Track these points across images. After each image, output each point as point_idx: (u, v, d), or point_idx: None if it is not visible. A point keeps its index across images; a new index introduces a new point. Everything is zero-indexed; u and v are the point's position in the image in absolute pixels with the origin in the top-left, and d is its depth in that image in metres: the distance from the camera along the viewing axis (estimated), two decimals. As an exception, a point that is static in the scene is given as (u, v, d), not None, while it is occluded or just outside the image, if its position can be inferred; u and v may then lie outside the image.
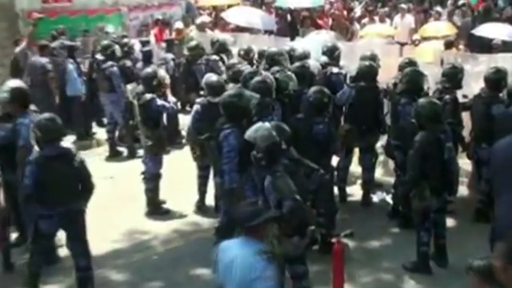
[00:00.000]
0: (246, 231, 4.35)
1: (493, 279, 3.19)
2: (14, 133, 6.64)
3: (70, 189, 6.03)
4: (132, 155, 10.38)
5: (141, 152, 9.03)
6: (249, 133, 5.82)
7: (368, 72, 8.20)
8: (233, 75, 8.30)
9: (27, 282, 6.25)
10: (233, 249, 4.38)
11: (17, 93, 6.86)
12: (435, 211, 6.66)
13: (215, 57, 10.80)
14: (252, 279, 4.23)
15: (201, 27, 13.77)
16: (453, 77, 7.86)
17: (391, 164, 8.57)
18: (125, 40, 11.52)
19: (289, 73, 7.79)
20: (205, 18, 14.83)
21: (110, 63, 10.43)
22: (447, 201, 6.88)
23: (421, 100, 6.74)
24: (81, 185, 6.14)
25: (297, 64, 8.28)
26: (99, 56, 10.69)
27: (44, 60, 10.69)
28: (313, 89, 7.24)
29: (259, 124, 5.84)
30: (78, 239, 6.22)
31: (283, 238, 5.29)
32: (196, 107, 7.95)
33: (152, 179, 8.28)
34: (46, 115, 6.20)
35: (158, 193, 8.38)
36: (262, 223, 4.35)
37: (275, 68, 8.09)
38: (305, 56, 8.84)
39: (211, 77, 8.08)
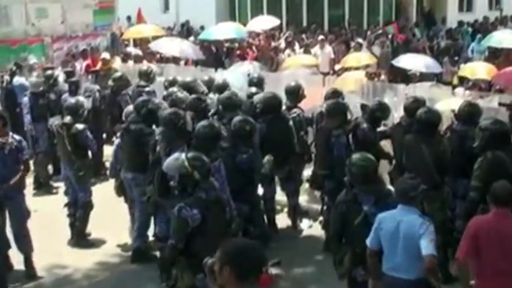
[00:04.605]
0: (409, 200, 5.04)
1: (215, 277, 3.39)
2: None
3: None
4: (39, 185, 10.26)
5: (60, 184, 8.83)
6: (166, 163, 5.88)
7: (273, 104, 8.10)
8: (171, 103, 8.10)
9: None
10: (397, 216, 5.08)
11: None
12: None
13: (149, 88, 10.65)
14: (420, 234, 4.87)
15: (124, 58, 13.71)
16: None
17: (317, 191, 8.64)
18: (49, 72, 11.17)
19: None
20: (131, 49, 14.77)
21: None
22: None
23: (354, 157, 5.88)
24: None
25: (225, 94, 8.30)
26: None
27: None
28: (237, 118, 7.27)
29: (177, 154, 5.84)
30: None
31: (186, 272, 5.31)
32: (117, 141, 7.84)
33: (84, 207, 8.13)
34: None
35: (87, 224, 8.23)
36: (419, 194, 5.10)
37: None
38: (224, 86, 8.86)
39: (130, 108, 8.05)
